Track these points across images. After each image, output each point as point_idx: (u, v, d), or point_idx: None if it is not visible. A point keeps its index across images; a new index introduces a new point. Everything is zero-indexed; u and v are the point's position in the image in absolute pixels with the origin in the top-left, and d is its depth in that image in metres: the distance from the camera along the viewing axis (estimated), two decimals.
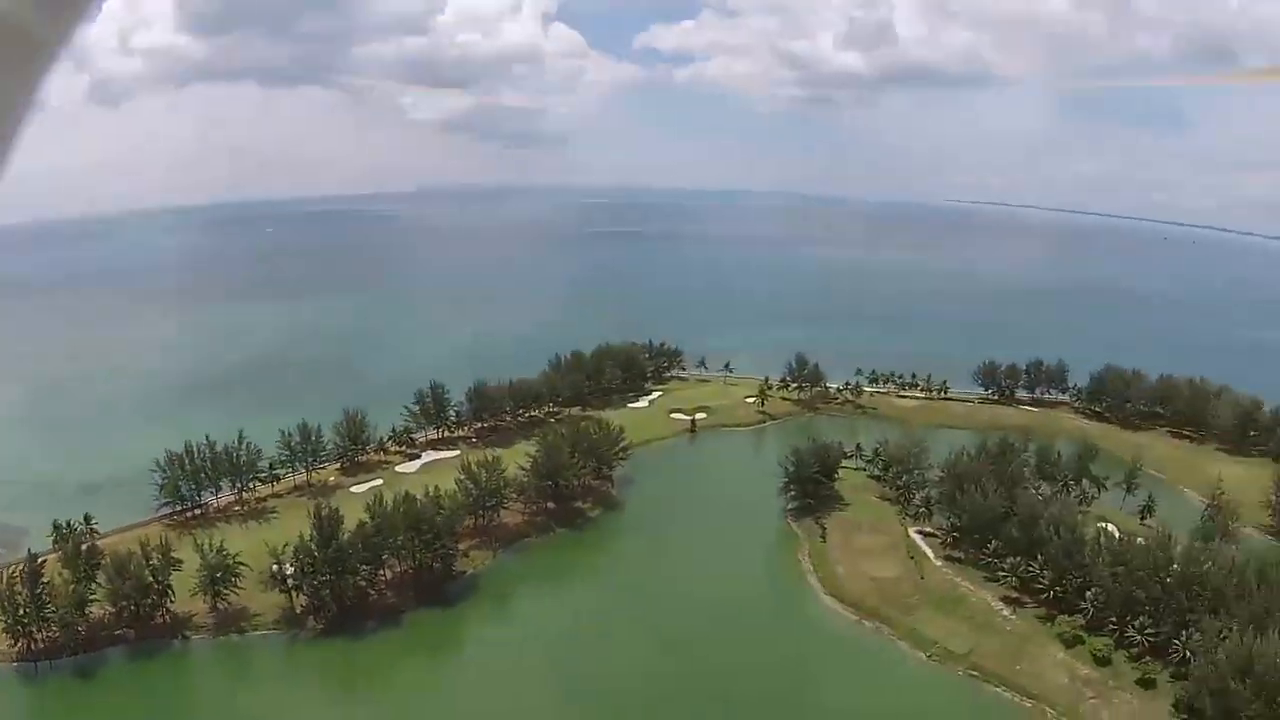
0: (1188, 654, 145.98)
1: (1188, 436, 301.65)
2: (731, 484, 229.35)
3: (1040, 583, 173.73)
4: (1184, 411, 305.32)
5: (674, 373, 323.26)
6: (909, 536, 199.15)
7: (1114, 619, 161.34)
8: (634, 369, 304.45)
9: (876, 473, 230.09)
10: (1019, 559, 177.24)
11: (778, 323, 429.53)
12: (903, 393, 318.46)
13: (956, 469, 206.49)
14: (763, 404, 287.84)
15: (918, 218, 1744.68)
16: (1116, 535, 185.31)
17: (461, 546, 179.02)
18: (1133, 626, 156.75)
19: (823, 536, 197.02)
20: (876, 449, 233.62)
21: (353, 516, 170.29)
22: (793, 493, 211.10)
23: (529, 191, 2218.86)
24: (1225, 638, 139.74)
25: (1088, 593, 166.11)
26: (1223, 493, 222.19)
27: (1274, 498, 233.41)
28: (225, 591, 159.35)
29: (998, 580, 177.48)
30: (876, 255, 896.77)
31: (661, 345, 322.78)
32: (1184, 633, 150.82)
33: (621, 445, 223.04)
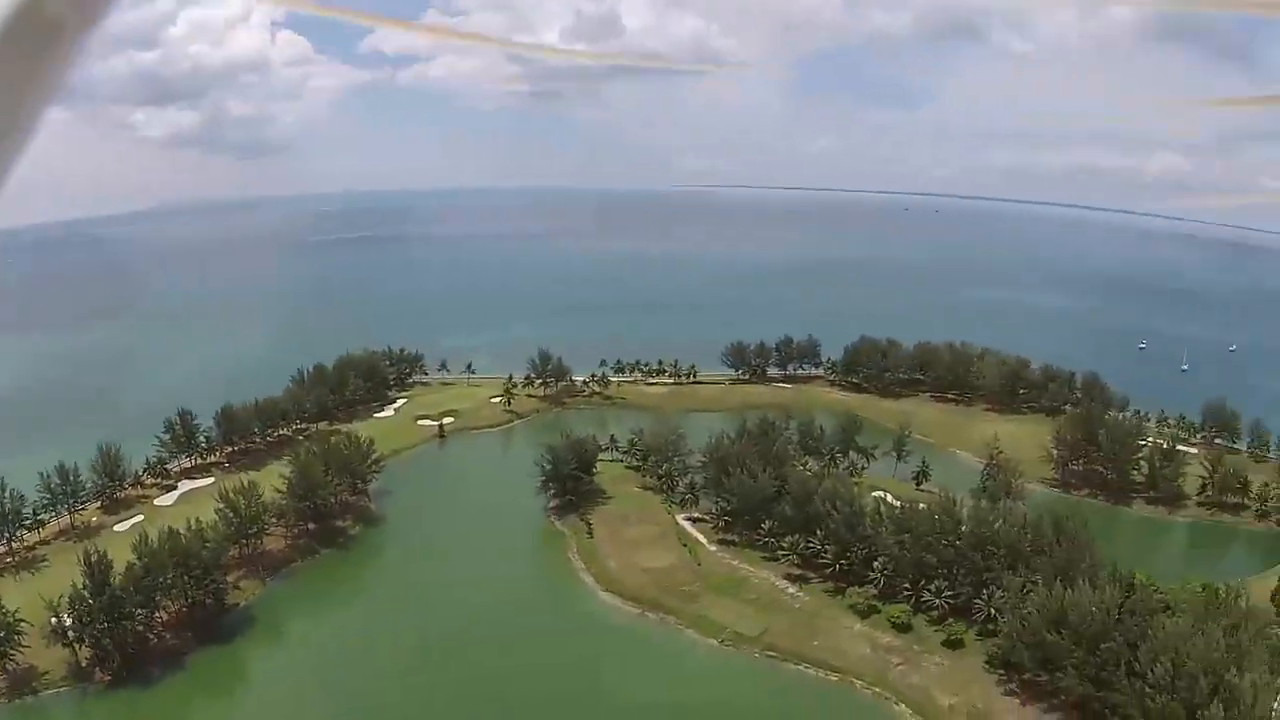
0: (993, 611, 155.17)
1: (953, 400, 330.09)
2: (489, 486, 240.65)
3: (824, 558, 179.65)
4: (946, 376, 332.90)
5: (417, 378, 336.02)
6: (678, 524, 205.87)
7: (908, 585, 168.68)
8: (377, 378, 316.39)
9: (635, 463, 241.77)
10: (797, 536, 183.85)
11: (517, 319, 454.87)
12: (650, 380, 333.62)
13: (719, 453, 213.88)
14: (509, 403, 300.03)
15: (653, 205, 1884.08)
16: (896, 504, 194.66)
17: (230, 578, 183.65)
18: (929, 591, 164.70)
19: (589, 532, 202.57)
20: (632, 439, 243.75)
21: (121, 557, 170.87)
22: (552, 490, 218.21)
23: (261, 203, 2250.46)
24: (1030, 592, 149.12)
25: (875, 563, 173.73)
26: (1000, 451, 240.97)
27: (1055, 451, 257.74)
28: (11, 652, 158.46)
29: (778, 559, 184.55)
30: (611, 245, 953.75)
31: (402, 351, 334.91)
32: (985, 591, 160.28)
33: (374, 458, 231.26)
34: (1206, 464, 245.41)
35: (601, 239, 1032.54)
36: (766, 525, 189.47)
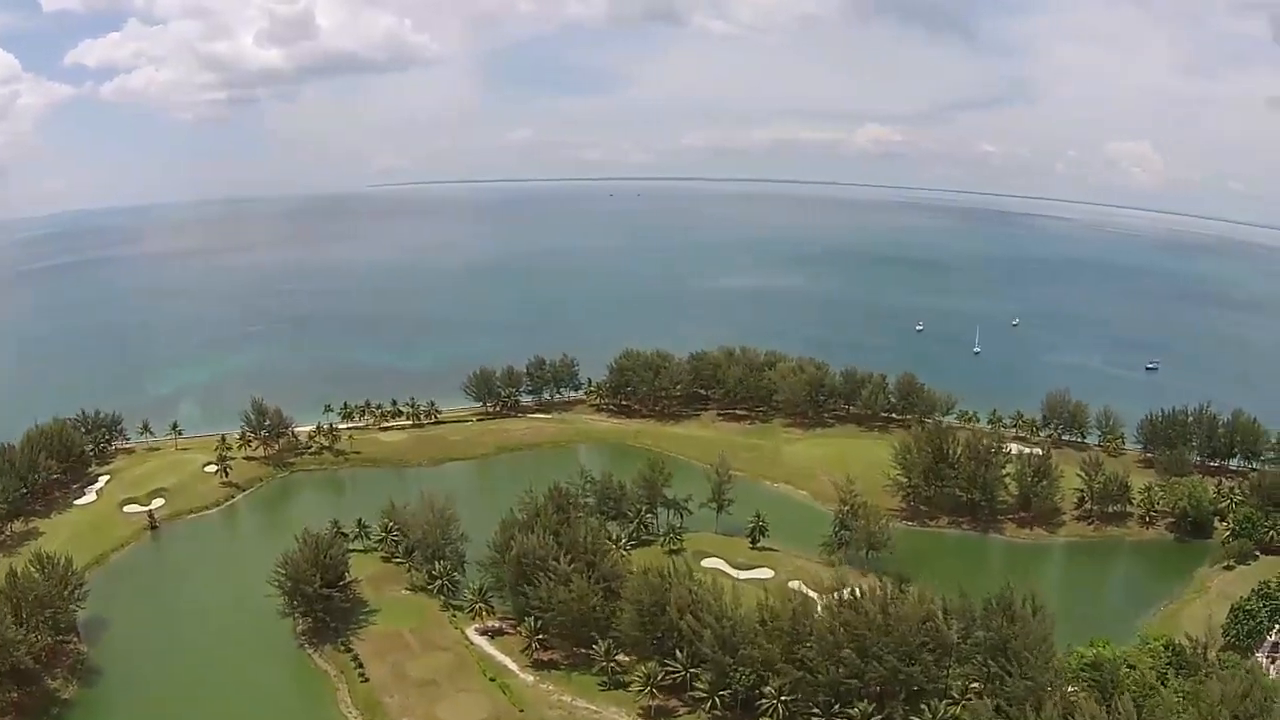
0: None
1: (745, 416, 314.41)
2: (221, 604, 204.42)
3: (698, 687, 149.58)
4: (736, 389, 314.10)
5: (118, 444, 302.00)
6: (473, 644, 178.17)
7: (817, 711, 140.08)
8: (73, 454, 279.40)
9: (398, 557, 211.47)
10: (654, 663, 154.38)
11: (220, 349, 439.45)
12: (386, 425, 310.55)
13: (512, 545, 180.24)
14: (226, 473, 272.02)
15: (346, 207, 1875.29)
16: (768, 597, 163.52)
17: None
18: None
19: (361, 671, 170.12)
20: (385, 523, 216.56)
21: None
22: (300, 611, 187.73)
23: None
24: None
25: (767, 687, 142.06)
26: (855, 491, 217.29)
27: (902, 478, 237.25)
28: None
29: (625, 687, 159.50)
30: (305, 253, 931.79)
31: (98, 415, 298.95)
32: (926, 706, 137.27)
33: (78, 585, 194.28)
34: (1083, 473, 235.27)
35: (294, 248, 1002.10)
36: (601, 645, 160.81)
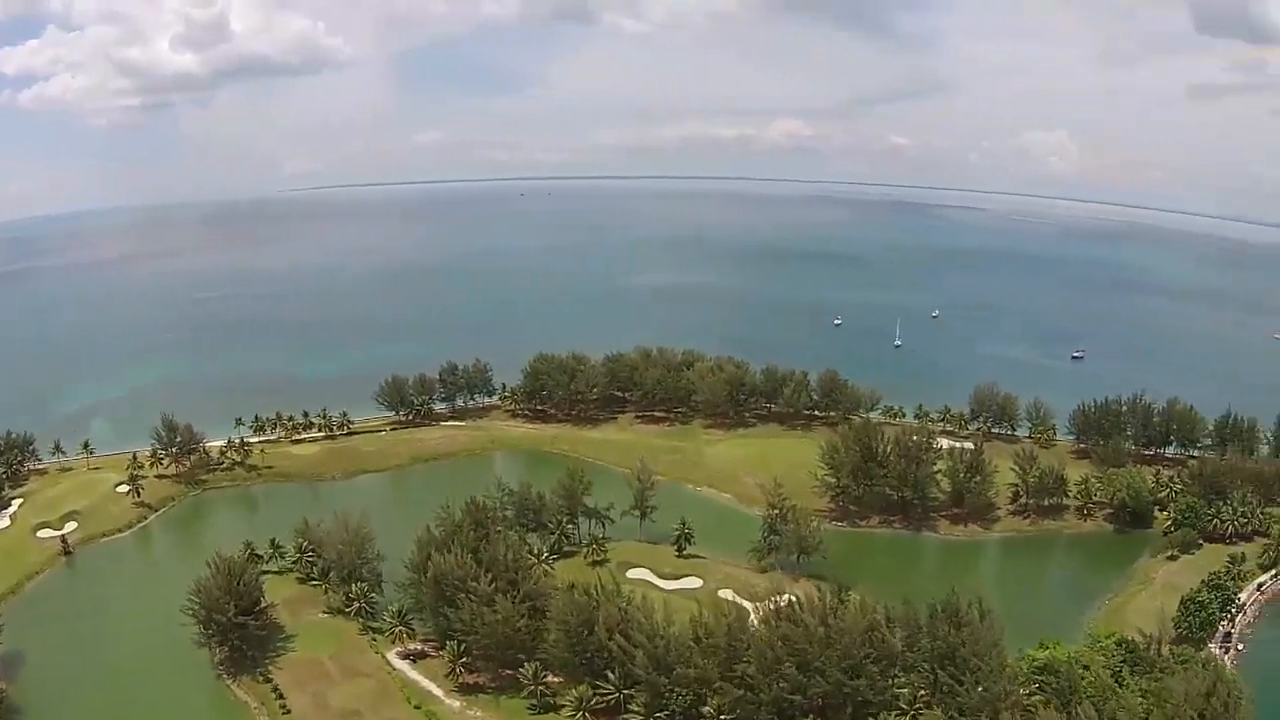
0: None
1: (664, 418, 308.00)
2: (137, 631, 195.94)
3: (634, 708, 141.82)
4: (654, 391, 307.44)
5: (31, 466, 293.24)
6: (394, 669, 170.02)
7: None
8: None
9: (313, 578, 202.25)
10: (585, 685, 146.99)
11: (133, 362, 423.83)
12: (298, 438, 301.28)
13: (430, 565, 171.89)
14: (138, 493, 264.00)
15: (261, 212, 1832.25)
16: (701, 612, 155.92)
17: None
18: None
19: (283, 702, 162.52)
20: (299, 543, 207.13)
21: None
22: (216, 640, 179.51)
23: None
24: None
25: (705, 707, 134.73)
26: (784, 494, 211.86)
27: (830, 478, 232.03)
28: None
29: (556, 710, 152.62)
30: (220, 259, 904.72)
31: (10, 435, 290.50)
32: None
33: None
34: (1017, 467, 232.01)
35: (215, 254, 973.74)
36: (529, 668, 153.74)
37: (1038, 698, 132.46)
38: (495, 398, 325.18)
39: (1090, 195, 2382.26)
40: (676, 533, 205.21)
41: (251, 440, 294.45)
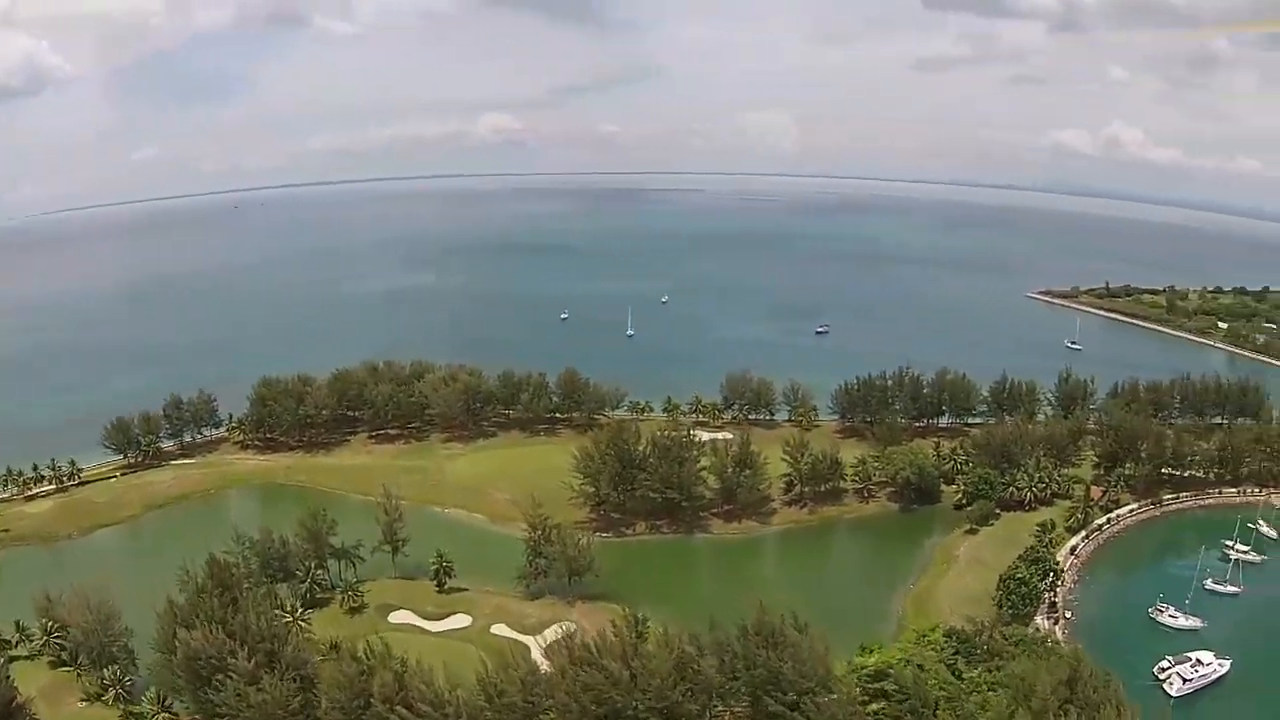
0: None
1: (399, 435, 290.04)
2: None
3: None
4: (386, 407, 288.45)
5: None
6: None
7: None
8: None
9: (67, 663, 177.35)
10: None
11: None
12: (30, 492, 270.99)
13: (178, 644, 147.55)
14: None
15: None
16: (486, 665, 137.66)
17: None
18: None
19: None
20: (44, 624, 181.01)
21: None
22: None
23: None
24: None
25: None
26: (545, 517, 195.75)
27: (587, 486, 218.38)
28: None
29: None
30: None
31: None
32: None
33: None
34: (788, 455, 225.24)
35: None
36: None
37: (873, 707, 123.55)
38: (224, 429, 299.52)
39: (819, 171, 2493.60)
40: (434, 565, 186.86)
41: None
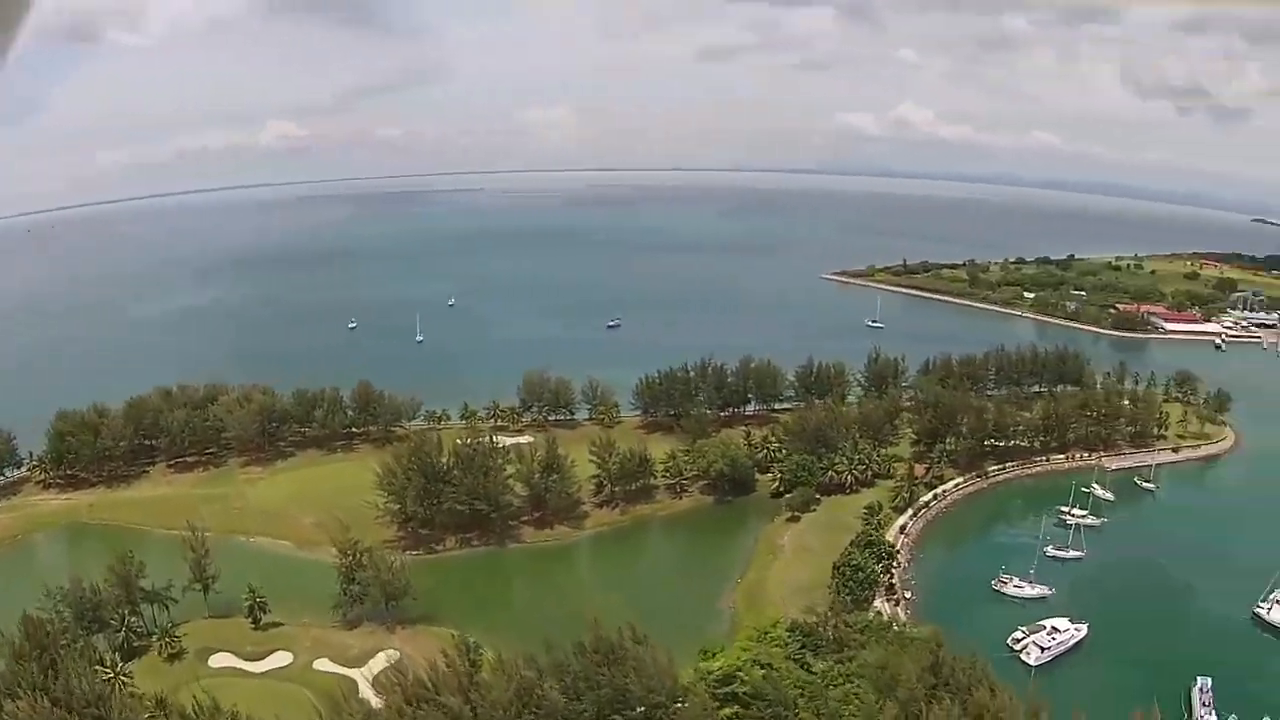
0: None
1: (196, 463, 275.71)
2: None
3: None
4: (182, 435, 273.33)
5: None
6: None
7: None
8: None
9: None
10: None
11: None
12: None
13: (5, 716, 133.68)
14: None
15: None
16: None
17: None
18: None
19: None
20: None
21: None
22: None
23: None
24: None
25: None
26: (355, 541, 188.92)
27: (396, 504, 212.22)
28: None
29: None
30: None
31: None
32: None
33: None
34: (595, 455, 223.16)
35: None
36: None
37: (725, 712, 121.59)
38: (24, 469, 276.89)
39: (599, 165, 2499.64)
40: (247, 601, 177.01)
41: None
